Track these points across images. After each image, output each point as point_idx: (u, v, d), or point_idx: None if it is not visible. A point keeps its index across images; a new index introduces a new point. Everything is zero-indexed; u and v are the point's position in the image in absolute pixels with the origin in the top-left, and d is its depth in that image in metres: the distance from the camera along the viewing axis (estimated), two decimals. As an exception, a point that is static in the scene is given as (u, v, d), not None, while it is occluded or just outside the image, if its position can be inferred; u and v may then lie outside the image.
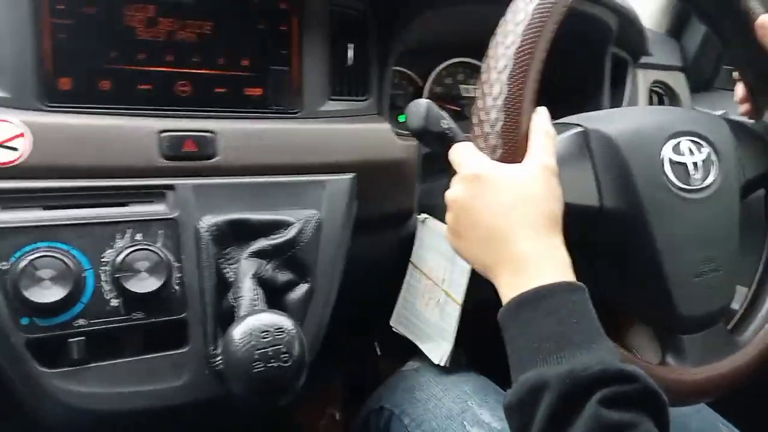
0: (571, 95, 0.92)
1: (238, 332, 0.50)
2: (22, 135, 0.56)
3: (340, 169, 0.70)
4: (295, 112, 0.71)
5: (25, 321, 0.54)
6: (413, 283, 0.78)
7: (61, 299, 0.53)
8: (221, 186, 0.64)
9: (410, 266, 0.78)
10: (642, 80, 1.00)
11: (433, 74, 0.93)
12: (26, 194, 0.56)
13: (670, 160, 0.56)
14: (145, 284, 0.56)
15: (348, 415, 1.10)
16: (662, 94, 1.04)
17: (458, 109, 0.96)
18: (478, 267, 0.51)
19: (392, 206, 0.78)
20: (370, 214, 0.73)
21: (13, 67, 0.58)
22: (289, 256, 0.63)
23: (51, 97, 0.60)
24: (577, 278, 0.47)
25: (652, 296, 0.57)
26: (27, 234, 0.55)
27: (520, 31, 0.51)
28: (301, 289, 0.64)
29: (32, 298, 0.53)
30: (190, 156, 0.63)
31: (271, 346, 0.50)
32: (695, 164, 0.57)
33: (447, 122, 0.56)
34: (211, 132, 0.64)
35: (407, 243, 0.79)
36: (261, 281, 0.60)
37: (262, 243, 0.62)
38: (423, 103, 0.55)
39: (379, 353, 1.16)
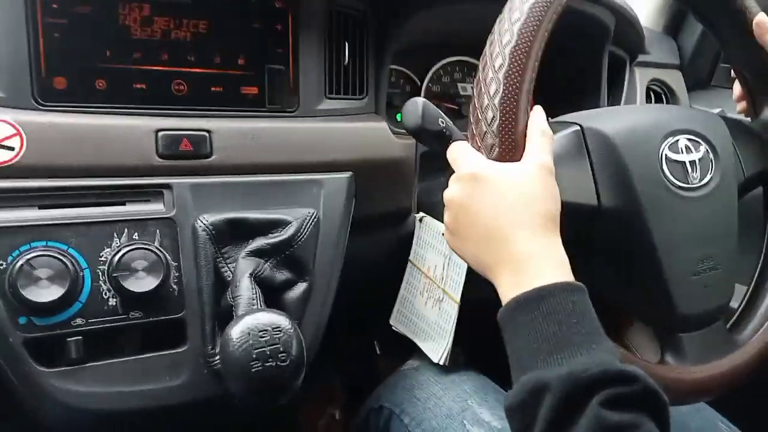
0: (568, 94, 0.92)
1: (236, 332, 0.50)
2: (17, 134, 0.56)
3: (338, 168, 0.70)
4: (292, 111, 0.71)
5: (22, 320, 0.54)
6: (412, 282, 0.78)
7: (59, 298, 0.53)
8: (218, 185, 0.63)
9: (409, 265, 0.78)
10: (639, 78, 1.00)
11: (431, 73, 0.93)
12: (22, 193, 0.56)
13: (668, 159, 0.56)
14: (142, 283, 0.56)
15: (348, 414, 1.10)
16: (660, 93, 1.04)
17: (456, 107, 0.96)
18: (477, 266, 0.51)
19: (390, 205, 0.78)
20: (368, 212, 0.73)
21: (7, 66, 0.58)
22: (286, 255, 0.63)
23: (46, 97, 0.60)
24: (575, 277, 0.47)
25: (651, 295, 0.57)
26: (24, 233, 0.54)
27: (516, 29, 0.51)
28: (299, 288, 0.64)
29: (30, 298, 0.52)
30: (186, 155, 0.63)
31: (269, 346, 0.50)
32: (693, 163, 0.57)
33: (444, 121, 0.56)
34: (207, 131, 0.64)
35: (406, 242, 0.79)
36: (259, 280, 0.60)
37: (259, 242, 0.62)
38: (419, 101, 0.55)
39: (378, 352, 1.16)
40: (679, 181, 0.56)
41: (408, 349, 0.79)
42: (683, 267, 0.56)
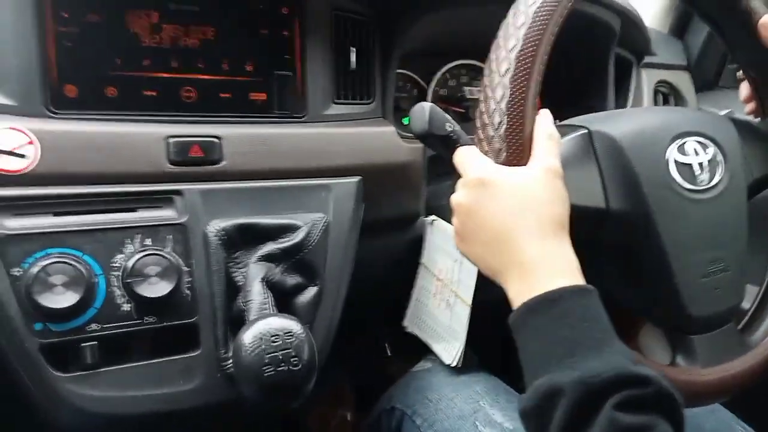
0: (575, 96, 0.92)
1: (248, 337, 0.51)
2: (30, 143, 0.57)
3: (346, 173, 0.70)
4: (300, 117, 0.71)
5: (38, 326, 0.54)
6: (424, 285, 0.78)
7: (74, 305, 0.54)
8: (228, 191, 0.64)
9: (421, 267, 0.79)
10: (646, 80, 1.00)
11: (437, 76, 0.93)
12: (36, 201, 0.57)
13: (676, 161, 0.56)
14: (155, 289, 0.57)
15: (359, 415, 1.10)
16: (667, 94, 1.04)
17: (463, 111, 0.96)
18: (487, 271, 0.51)
19: (399, 209, 0.78)
20: (376, 216, 0.73)
21: (19, 75, 0.59)
22: (297, 259, 0.64)
23: (58, 105, 0.60)
24: (585, 280, 0.47)
25: (661, 297, 0.57)
26: (38, 240, 0.55)
27: (521, 34, 0.51)
28: (310, 292, 0.64)
29: (45, 304, 0.53)
30: (196, 161, 0.63)
31: (281, 350, 0.50)
32: (701, 164, 0.57)
33: (451, 125, 0.56)
34: (217, 137, 0.64)
35: (415, 245, 0.80)
36: (270, 285, 0.60)
37: (270, 247, 0.63)
38: (426, 106, 0.55)
39: (389, 354, 1.17)
40: (688, 183, 0.56)
41: (419, 350, 0.79)
42: (693, 269, 0.56)
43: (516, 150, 0.51)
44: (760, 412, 0.68)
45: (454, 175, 0.55)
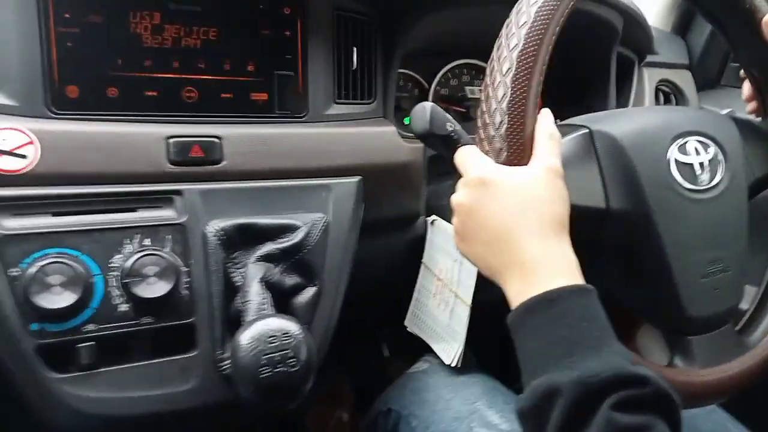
0: (576, 96, 0.92)
1: (246, 337, 0.50)
2: (30, 143, 0.57)
3: (347, 173, 0.70)
4: (301, 117, 0.71)
5: (35, 326, 0.54)
6: (425, 284, 0.78)
7: (71, 305, 0.54)
8: (228, 191, 0.64)
9: (422, 267, 0.79)
10: (648, 79, 0.99)
11: (438, 76, 0.93)
12: (36, 201, 0.57)
13: (677, 161, 0.56)
14: (153, 289, 0.57)
15: (356, 416, 1.10)
16: (669, 93, 1.04)
17: (464, 110, 0.96)
18: (486, 271, 0.51)
19: (399, 209, 0.78)
20: (376, 216, 0.73)
21: (20, 75, 0.59)
22: (296, 259, 0.64)
23: (59, 105, 0.60)
24: (584, 280, 0.47)
25: (660, 297, 0.57)
26: (37, 240, 0.55)
27: (523, 33, 0.51)
28: (309, 292, 0.64)
29: (42, 304, 0.53)
30: (197, 161, 0.63)
31: (279, 351, 0.50)
32: (702, 164, 0.57)
33: (452, 125, 0.56)
34: (217, 137, 0.64)
35: (415, 245, 0.80)
36: (269, 285, 0.60)
37: (269, 247, 0.63)
38: (427, 106, 0.55)
39: (387, 355, 1.17)
40: (689, 183, 0.56)
41: (416, 351, 0.79)
42: (692, 269, 0.56)
43: (517, 149, 0.51)
44: (756, 413, 0.68)
45: (454, 174, 0.55)
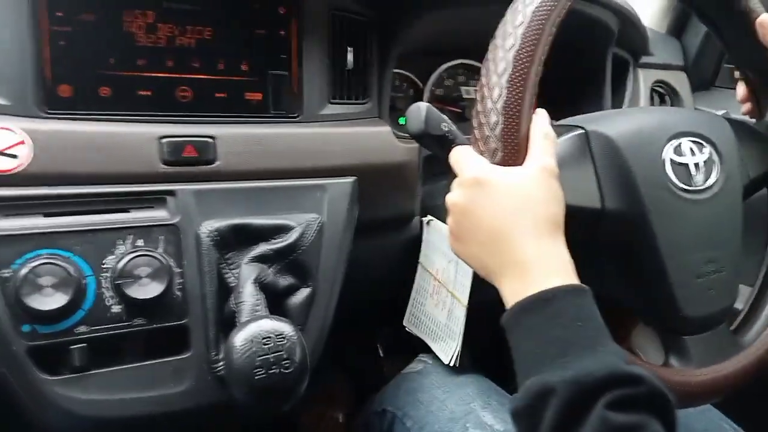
0: (571, 96, 0.92)
1: (240, 339, 0.50)
2: (22, 142, 0.56)
3: (341, 173, 0.70)
4: (295, 117, 0.71)
5: (26, 328, 0.54)
6: (423, 284, 0.78)
7: (63, 306, 0.53)
8: (222, 191, 0.64)
9: (419, 267, 0.79)
10: (643, 80, 1.00)
11: (434, 76, 0.93)
12: (27, 201, 0.56)
13: (672, 161, 0.56)
14: (146, 290, 0.56)
15: (351, 417, 1.10)
16: (664, 94, 1.04)
17: (459, 110, 0.96)
18: (481, 271, 0.51)
19: (394, 209, 0.78)
20: (371, 217, 0.73)
21: (12, 74, 0.58)
22: (290, 260, 0.63)
23: (51, 104, 0.60)
24: (579, 280, 0.47)
25: (655, 298, 0.57)
26: (28, 241, 0.55)
27: (519, 33, 0.51)
28: (303, 293, 0.64)
29: (33, 306, 0.53)
30: (190, 161, 0.63)
31: (273, 353, 0.50)
32: (697, 165, 0.57)
33: (447, 125, 0.55)
34: (211, 137, 0.64)
35: (410, 245, 0.79)
36: (262, 286, 0.60)
37: (263, 248, 0.62)
38: (423, 106, 0.55)
39: (381, 355, 1.16)
40: (684, 184, 0.56)
41: (412, 351, 0.79)
42: (687, 270, 0.56)
43: (512, 150, 0.51)
44: (750, 413, 0.68)
45: (449, 174, 0.54)
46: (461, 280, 0.71)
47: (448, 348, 0.72)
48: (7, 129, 0.56)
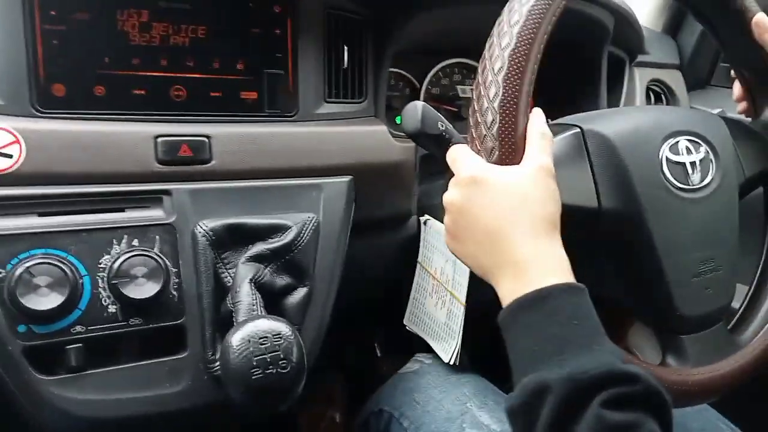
0: (568, 95, 0.92)
1: (236, 339, 0.50)
2: (16, 142, 0.56)
3: (337, 172, 0.70)
4: (291, 116, 0.71)
5: (22, 328, 0.53)
6: (422, 284, 0.78)
7: (58, 306, 0.53)
8: (218, 190, 0.63)
9: (418, 266, 0.79)
10: (639, 79, 1.00)
11: (430, 75, 0.93)
12: (21, 201, 0.56)
13: (668, 160, 0.56)
14: (142, 290, 0.56)
15: (348, 417, 1.10)
16: (660, 93, 1.04)
17: (455, 109, 0.96)
18: (478, 270, 0.51)
19: (390, 208, 0.78)
20: (368, 216, 0.73)
21: (6, 73, 0.58)
22: (287, 259, 0.63)
23: (45, 104, 0.60)
24: (576, 279, 0.47)
25: (652, 297, 0.57)
26: (23, 241, 0.54)
27: (515, 32, 0.51)
28: (300, 293, 0.64)
29: (29, 306, 0.52)
30: (185, 161, 0.62)
31: (270, 353, 0.50)
32: (693, 164, 0.57)
33: (443, 124, 0.55)
34: (206, 136, 0.64)
35: (407, 244, 0.79)
36: (259, 285, 0.59)
37: (259, 247, 0.62)
38: (419, 105, 0.55)
39: (379, 354, 1.16)
40: (680, 183, 0.56)
41: (410, 350, 0.79)
42: (684, 269, 0.56)
43: (508, 149, 0.51)
44: (747, 412, 0.68)
45: (446, 173, 0.54)
46: (459, 279, 0.71)
47: (448, 347, 0.72)
48: (0, 128, 0.56)
